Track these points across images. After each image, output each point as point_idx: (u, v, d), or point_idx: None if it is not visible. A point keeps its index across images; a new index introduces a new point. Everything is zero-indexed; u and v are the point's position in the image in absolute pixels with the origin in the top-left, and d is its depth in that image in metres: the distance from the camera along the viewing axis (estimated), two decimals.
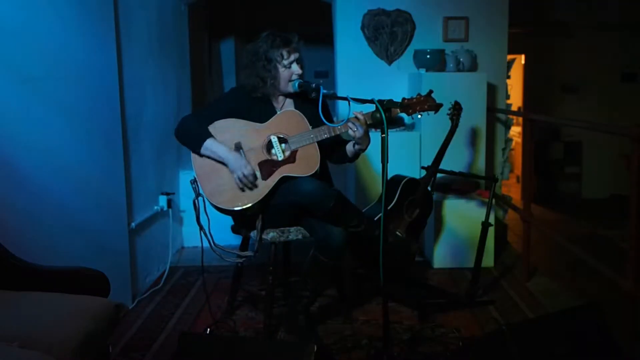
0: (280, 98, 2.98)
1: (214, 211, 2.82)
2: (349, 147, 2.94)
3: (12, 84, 2.36)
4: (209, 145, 2.76)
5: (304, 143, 2.81)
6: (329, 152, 3.06)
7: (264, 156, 2.80)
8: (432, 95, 2.84)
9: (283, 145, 2.83)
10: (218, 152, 2.77)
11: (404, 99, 2.80)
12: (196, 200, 2.79)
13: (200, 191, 2.79)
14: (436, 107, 2.81)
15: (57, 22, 2.70)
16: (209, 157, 2.79)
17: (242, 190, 2.75)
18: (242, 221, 2.97)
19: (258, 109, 2.90)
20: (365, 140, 2.82)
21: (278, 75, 2.86)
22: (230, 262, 2.96)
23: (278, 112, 2.91)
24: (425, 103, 2.79)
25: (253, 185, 2.76)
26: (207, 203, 2.80)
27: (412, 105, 2.78)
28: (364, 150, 2.89)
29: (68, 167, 2.74)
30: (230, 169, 2.76)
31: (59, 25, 2.71)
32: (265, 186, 2.77)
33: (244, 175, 2.72)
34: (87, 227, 2.88)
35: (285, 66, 2.85)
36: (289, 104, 2.99)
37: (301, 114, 2.87)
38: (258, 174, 2.79)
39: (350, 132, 2.76)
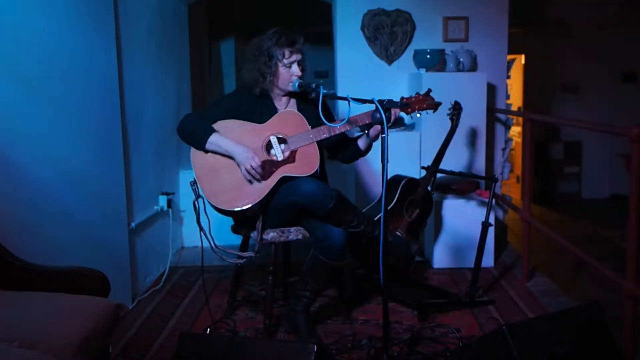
0: (284, 99, 2.99)
1: (214, 212, 2.82)
2: (362, 141, 2.96)
3: (11, 84, 2.36)
4: (214, 140, 2.76)
5: (303, 143, 2.81)
6: (337, 152, 3.07)
7: (263, 156, 2.80)
8: (432, 94, 2.85)
9: (282, 145, 2.83)
10: (224, 145, 2.76)
11: (402, 98, 2.80)
12: (196, 202, 2.79)
13: (200, 192, 2.78)
14: (435, 105, 2.83)
15: (57, 23, 2.69)
16: (214, 152, 2.78)
17: (251, 182, 2.75)
18: (242, 221, 2.97)
19: (260, 110, 2.91)
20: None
21: (277, 73, 2.87)
22: (231, 263, 2.96)
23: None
24: (424, 102, 2.81)
25: (262, 177, 2.76)
26: (207, 204, 2.80)
27: (411, 104, 2.80)
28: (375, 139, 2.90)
29: (68, 167, 2.74)
30: (237, 162, 2.75)
31: (59, 26, 2.71)
32: (265, 186, 2.77)
33: (252, 168, 2.71)
34: (87, 227, 2.88)
35: (285, 65, 2.85)
36: (291, 105, 2.99)
37: (300, 114, 2.88)
38: None
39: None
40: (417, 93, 2.85)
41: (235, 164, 2.79)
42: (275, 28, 2.90)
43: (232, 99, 2.97)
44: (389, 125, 2.71)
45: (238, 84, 6.56)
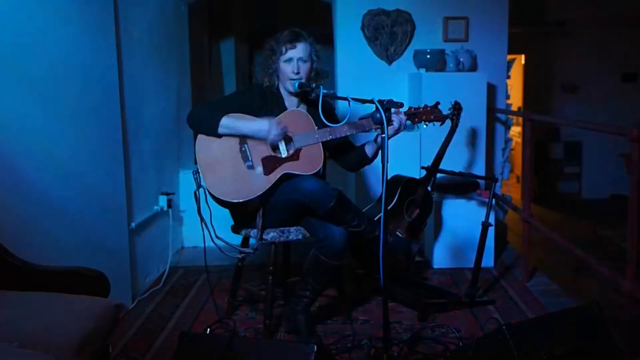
0: (295, 100, 3.00)
1: (215, 207, 2.83)
2: (369, 147, 2.97)
3: (12, 84, 2.36)
4: (227, 122, 2.76)
5: (308, 142, 2.82)
6: (342, 156, 3.08)
7: (268, 152, 2.81)
8: (432, 94, 2.88)
9: (288, 143, 2.84)
10: (239, 126, 2.76)
11: (410, 107, 2.85)
12: (197, 192, 2.80)
13: (202, 183, 2.79)
14: (442, 118, 2.93)
15: (57, 23, 2.69)
16: (228, 136, 2.78)
17: (264, 169, 2.77)
18: (241, 218, 2.97)
19: (271, 108, 2.92)
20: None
21: (278, 68, 2.89)
22: (230, 256, 2.96)
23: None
24: (431, 114, 2.90)
25: (287, 137, 2.80)
26: (207, 195, 2.80)
27: (418, 114, 2.87)
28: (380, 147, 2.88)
29: (68, 167, 2.74)
30: (261, 137, 2.77)
31: (59, 26, 2.71)
32: (266, 181, 2.78)
33: (278, 135, 2.75)
34: (87, 227, 2.88)
35: (284, 61, 2.86)
36: (302, 107, 3.00)
37: (308, 114, 2.89)
38: (261, 169, 2.79)
39: (395, 124, 2.77)
40: (425, 105, 2.91)
41: (238, 157, 2.79)
42: (293, 28, 2.93)
43: (244, 94, 3.00)
44: (396, 133, 2.75)
45: (239, 84, 6.56)
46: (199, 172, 2.80)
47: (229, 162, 2.78)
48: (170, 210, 4.05)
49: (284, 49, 2.86)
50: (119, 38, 3.29)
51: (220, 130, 2.76)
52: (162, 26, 4.15)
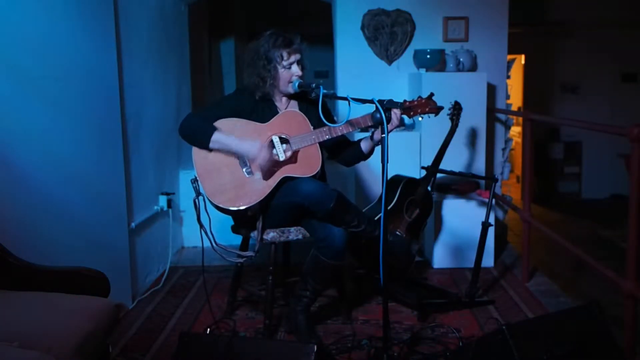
0: (284, 99, 2.98)
1: (214, 210, 2.82)
2: (365, 143, 2.95)
3: (11, 84, 2.36)
4: (217, 138, 2.75)
5: (306, 144, 2.81)
6: (338, 153, 3.07)
7: None
8: (433, 96, 2.87)
9: (284, 145, 2.82)
10: (229, 143, 2.75)
11: (405, 101, 2.82)
12: (196, 200, 2.79)
13: (201, 190, 2.78)
14: (437, 110, 2.87)
15: (57, 23, 2.70)
16: (218, 150, 2.77)
17: (261, 174, 2.75)
18: (242, 221, 2.97)
19: (261, 110, 2.90)
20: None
21: (277, 76, 2.85)
22: (231, 262, 2.96)
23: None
24: (427, 106, 2.84)
25: (272, 168, 2.76)
26: (207, 202, 2.80)
27: (413, 107, 2.82)
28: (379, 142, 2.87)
29: (68, 167, 2.74)
30: (250, 158, 2.75)
31: (59, 26, 2.71)
32: (266, 186, 2.77)
33: (265, 160, 2.72)
34: (87, 227, 2.88)
35: (285, 67, 2.85)
36: (292, 106, 2.99)
37: (303, 114, 2.87)
38: (260, 174, 2.79)
39: (394, 121, 2.73)
40: (420, 97, 2.86)
41: (236, 163, 2.79)
42: (271, 30, 2.89)
43: (234, 99, 2.96)
44: (394, 128, 2.73)
45: (238, 85, 6.56)
46: (197, 180, 2.79)
47: (228, 169, 2.78)
48: (170, 210, 4.05)
49: (284, 54, 2.83)
50: (119, 38, 3.29)
51: (212, 145, 2.76)
52: (162, 26, 4.15)
